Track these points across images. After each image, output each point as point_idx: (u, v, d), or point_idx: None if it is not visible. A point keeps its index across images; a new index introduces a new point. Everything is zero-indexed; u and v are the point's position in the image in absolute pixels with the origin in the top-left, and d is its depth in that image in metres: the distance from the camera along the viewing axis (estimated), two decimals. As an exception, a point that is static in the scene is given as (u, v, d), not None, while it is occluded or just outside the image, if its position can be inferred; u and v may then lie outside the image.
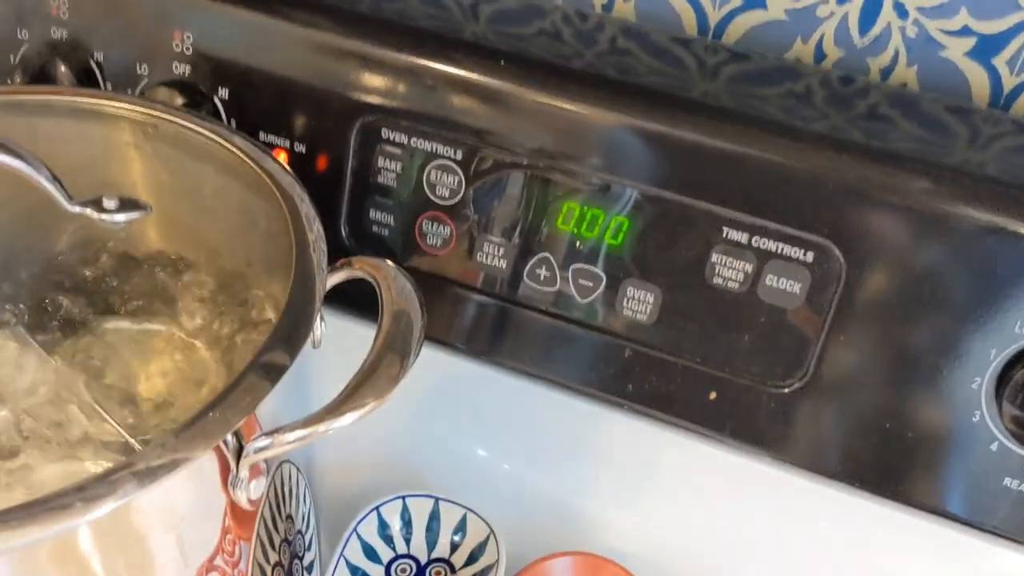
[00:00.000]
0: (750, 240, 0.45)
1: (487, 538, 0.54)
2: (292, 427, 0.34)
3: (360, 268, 0.40)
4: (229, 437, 0.34)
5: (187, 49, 0.52)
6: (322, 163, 0.52)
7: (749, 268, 0.45)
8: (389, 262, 0.40)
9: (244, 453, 0.34)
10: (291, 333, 0.36)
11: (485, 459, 0.59)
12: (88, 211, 0.38)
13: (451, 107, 0.49)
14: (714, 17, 0.54)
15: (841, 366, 0.45)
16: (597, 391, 0.50)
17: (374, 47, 0.50)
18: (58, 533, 0.30)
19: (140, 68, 0.54)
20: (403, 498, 0.56)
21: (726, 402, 0.48)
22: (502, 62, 0.48)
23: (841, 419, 0.46)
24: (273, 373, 0.34)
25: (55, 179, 0.38)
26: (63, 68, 0.54)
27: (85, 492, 0.29)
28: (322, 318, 0.43)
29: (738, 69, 0.52)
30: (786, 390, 0.46)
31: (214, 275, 0.46)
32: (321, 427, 0.34)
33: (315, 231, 0.41)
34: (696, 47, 0.53)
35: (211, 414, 0.32)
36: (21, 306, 0.43)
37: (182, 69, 0.53)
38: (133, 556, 0.34)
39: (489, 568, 0.53)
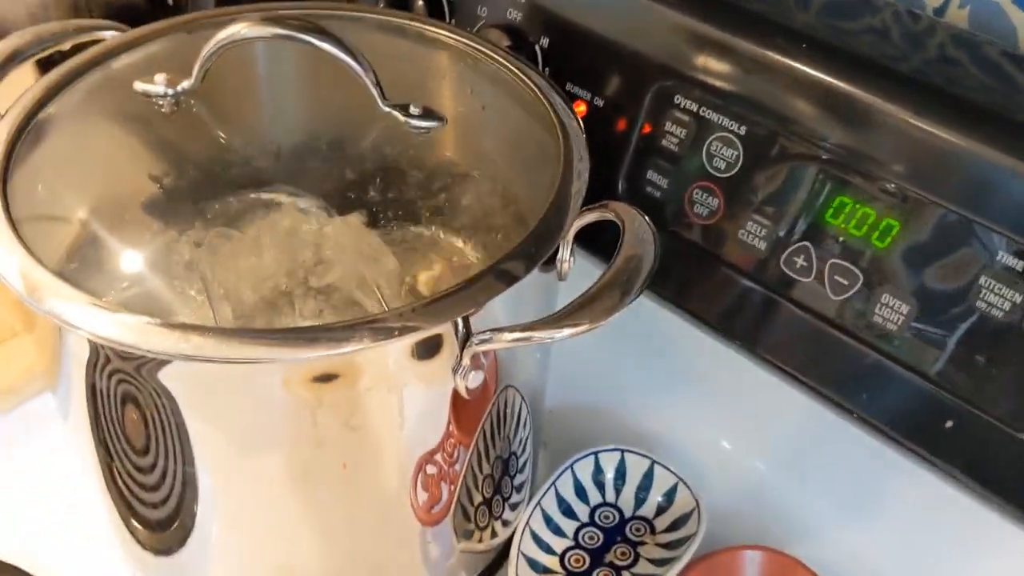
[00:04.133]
0: (1027, 269, 0.42)
1: (692, 511, 0.55)
2: (512, 328, 0.38)
3: (612, 211, 0.42)
4: (460, 326, 0.39)
5: (522, -3, 0.58)
6: (616, 119, 0.55)
7: (1019, 298, 0.42)
8: (639, 211, 0.42)
9: (469, 343, 0.39)
10: (533, 250, 0.39)
11: (706, 436, 0.60)
12: (395, 112, 0.44)
13: (750, 86, 0.49)
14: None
15: (1104, 426, 0.41)
16: (832, 392, 0.49)
17: (696, 21, 0.52)
18: (304, 360, 0.36)
19: (480, 10, 0.60)
20: (622, 451, 0.58)
21: (963, 435, 0.45)
22: (804, 45, 0.48)
23: (1093, 485, 0.42)
24: (506, 279, 0.38)
25: (377, 83, 0.44)
26: (420, 1, 0.61)
27: (331, 332, 0.35)
28: (573, 254, 0.46)
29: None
30: (1032, 437, 0.43)
31: (496, 195, 0.51)
32: (538, 334, 0.37)
33: (582, 179, 0.44)
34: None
35: (445, 299, 0.37)
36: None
37: (514, 15, 0.58)
38: (360, 404, 0.39)
39: (686, 539, 0.54)
